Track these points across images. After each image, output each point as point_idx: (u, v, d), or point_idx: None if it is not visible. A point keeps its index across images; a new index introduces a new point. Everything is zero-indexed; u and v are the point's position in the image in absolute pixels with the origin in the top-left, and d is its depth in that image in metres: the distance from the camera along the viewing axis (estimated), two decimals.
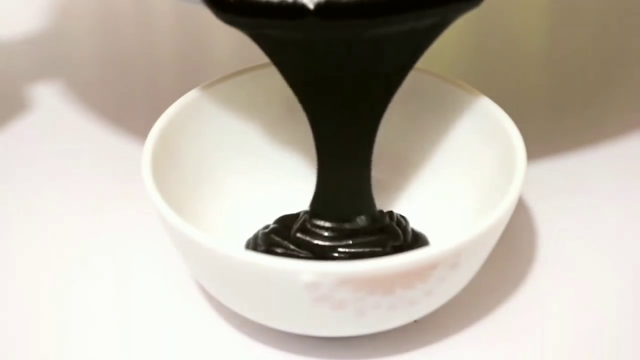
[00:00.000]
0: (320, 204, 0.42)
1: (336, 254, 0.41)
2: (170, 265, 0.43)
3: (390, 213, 0.43)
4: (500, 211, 0.38)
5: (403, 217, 0.43)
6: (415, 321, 0.40)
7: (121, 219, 0.46)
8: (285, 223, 0.43)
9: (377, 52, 0.39)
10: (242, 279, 0.38)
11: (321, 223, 0.42)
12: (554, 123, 0.51)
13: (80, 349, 0.41)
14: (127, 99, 0.54)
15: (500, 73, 0.55)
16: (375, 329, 0.39)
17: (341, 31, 0.38)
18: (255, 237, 0.43)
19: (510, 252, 0.44)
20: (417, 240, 0.43)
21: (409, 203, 0.44)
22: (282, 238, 0.42)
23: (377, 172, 0.45)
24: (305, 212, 0.43)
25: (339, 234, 0.42)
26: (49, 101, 0.53)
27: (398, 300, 0.37)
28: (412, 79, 0.44)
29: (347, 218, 0.42)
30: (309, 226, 0.42)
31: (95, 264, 0.44)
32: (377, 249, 0.41)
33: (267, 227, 0.43)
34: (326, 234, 0.42)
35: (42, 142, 0.51)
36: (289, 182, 0.45)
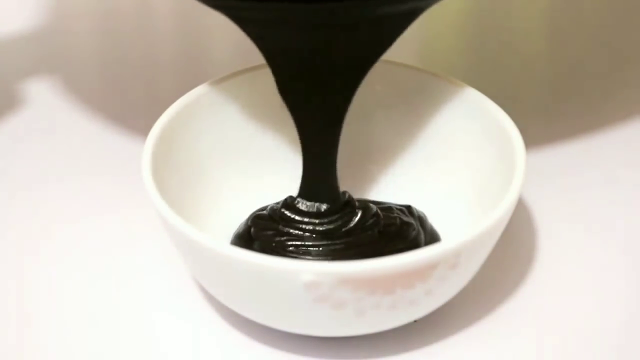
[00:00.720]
0: (304, 192, 0.42)
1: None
2: (170, 265, 0.43)
3: (409, 208, 0.43)
4: (500, 211, 0.38)
5: (423, 213, 0.43)
6: (415, 321, 0.40)
7: (121, 219, 0.46)
8: (256, 223, 0.43)
9: (360, 34, 0.39)
10: (242, 278, 0.37)
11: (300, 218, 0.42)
12: (554, 123, 0.51)
13: (80, 348, 0.41)
14: (127, 99, 0.54)
15: (500, 73, 0.55)
16: (375, 329, 0.39)
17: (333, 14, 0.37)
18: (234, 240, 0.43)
19: (510, 252, 0.44)
20: (432, 239, 0.43)
21: (409, 203, 0.44)
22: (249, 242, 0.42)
23: (376, 171, 0.45)
24: (276, 205, 0.43)
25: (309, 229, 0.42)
26: (47, 100, 0.53)
27: (398, 300, 0.37)
28: (412, 78, 0.44)
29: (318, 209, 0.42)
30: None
31: (95, 264, 0.44)
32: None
33: (240, 228, 0.43)
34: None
35: (42, 142, 0.51)
36: (289, 181, 0.45)
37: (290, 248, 0.41)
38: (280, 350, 0.40)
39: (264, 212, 0.43)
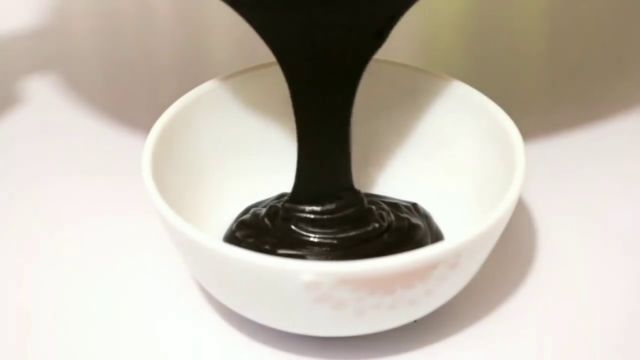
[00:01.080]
0: (300, 190, 0.42)
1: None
2: (170, 265, 0.43)
3: (415, 205, 0.43)
4: (500, 211, 0.38)
5: (428, 212, 0.43)
6: (415, 321, 0.40)
7: (121, 218, 0.46)
8: (243, 226, 0.43)
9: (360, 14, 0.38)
10: (242, 278, 0.37)
11: (301, 213, 0.42)
12: (554, 123, 0.51)
13: (80, 348, 0.41)
14: (127, 99, 0.54)
15: (500, 73, 0.55)
16: (375, 329, 0.39)
17: None
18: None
19: (510, 252, 0.44)
20: (437, 238, 0.43)
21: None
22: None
23: (376, 170, 0.45)
24: (254, 207, 0.43)
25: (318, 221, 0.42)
26: (47, 99, 0.53)
27: (398, 300, 0.37)
28: (411, 78, 0.44)
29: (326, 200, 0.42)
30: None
31: (95, 264, 0.44)
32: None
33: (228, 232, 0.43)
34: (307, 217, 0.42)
35: (41, 141, 0.51)
36: (289, 181, 0.45)
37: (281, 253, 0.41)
38: (280, 350, 0.40)
39: (247, 216, 0.43)
